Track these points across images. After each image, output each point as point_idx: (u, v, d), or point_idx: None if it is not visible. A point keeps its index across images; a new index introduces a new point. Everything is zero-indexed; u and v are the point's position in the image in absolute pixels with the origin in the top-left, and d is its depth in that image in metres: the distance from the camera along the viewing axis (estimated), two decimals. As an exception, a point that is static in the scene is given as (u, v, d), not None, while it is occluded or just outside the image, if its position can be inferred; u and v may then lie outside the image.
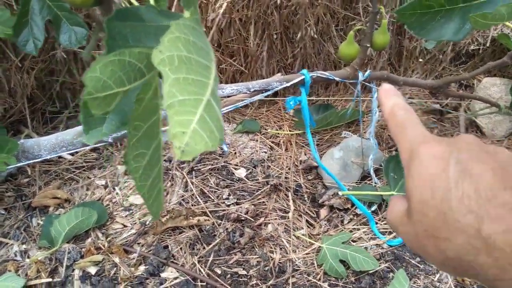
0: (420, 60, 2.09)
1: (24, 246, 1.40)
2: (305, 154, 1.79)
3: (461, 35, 1.04)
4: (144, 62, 0.45)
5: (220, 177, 1.67)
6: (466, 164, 0.30)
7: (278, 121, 2.01)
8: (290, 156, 1.78)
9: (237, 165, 1.73)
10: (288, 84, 1.33)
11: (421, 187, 0.31)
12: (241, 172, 1.70)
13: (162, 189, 0.52)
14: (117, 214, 1.51)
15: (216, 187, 1.62)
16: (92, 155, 1.80)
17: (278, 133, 1.91)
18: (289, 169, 1.72)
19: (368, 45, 1.37)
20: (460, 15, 1.03)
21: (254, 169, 1.71)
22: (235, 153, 1.80)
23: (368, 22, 1.35)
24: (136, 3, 0.70)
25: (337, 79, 1.39)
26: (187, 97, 0.38)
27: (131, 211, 1.52)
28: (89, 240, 1.41)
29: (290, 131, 1.92)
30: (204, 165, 1.73)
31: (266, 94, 1.35)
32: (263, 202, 1.55)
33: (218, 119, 0.39)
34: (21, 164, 1.36)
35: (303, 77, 1.33)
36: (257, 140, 1.88)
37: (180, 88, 0.38)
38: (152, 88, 0.45)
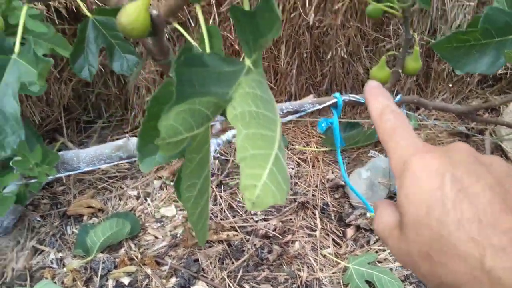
0: (450, 85, 2.11)
1: (60, 254, 1.45)
2: (333, 172, 1.82)
3: (495, 68, 1.06)
4: (211, 109, 0.49)
5: (248, 192, 1.71)
6: (462, 181, 0.28)
7: (305, 137, 2.05)
8: (317, 174, 1.81)
9: (264, 181, 1.77)
10: (321, 107, 1.37)
11: (415, 204, 0.29)
12: (269, 188, 1.73)
13: (208, 216, 0.57)
14: (149, 225, 1.56)
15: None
16: (124, 165, 1.86)
17: (305, 150, 1.94)
18: (316, 186, 1.75)
19: (400, 71, 1.40)
20: (495, 49, 1.06)
21: (281, 185, 1.74)
22: (263, 168, 1.84)
23: (401, 48, 1.38)
24: (189, 39, 0.74)
25: (368, 102, 1.42)
26: (258, 152, 0.41)
27: (162, 223, 1.57)
28: (123, 250, 1.46)
29: (317, 147, 1.95)
30: (232, 179, 1.77)
31: (298, 115, 1.39)
32: (291, 219, 1.59)
33: (285, 171, 0.43)
34: (60, 175, 1.42)
35: (335, 100, 1.36)
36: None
37: (251, 143, 0.42)
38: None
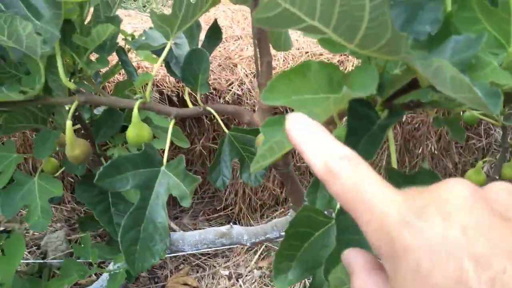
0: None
1: (159, 330, 1.55)
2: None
3: None
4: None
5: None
6: (489, 263, 0.19)
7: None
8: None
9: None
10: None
11: None
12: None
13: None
14: (241, 308, 1.63)
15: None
16: (216, 243, 1.96)
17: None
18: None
19: (497, 177, 1.43)
20: None
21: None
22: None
23: (499, 155, 1.42)
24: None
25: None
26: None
27: (253, 307, 1.64)
28: (217, 332, 1.53)
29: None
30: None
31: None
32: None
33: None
34: (166, 255, 1.53)
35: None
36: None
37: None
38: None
